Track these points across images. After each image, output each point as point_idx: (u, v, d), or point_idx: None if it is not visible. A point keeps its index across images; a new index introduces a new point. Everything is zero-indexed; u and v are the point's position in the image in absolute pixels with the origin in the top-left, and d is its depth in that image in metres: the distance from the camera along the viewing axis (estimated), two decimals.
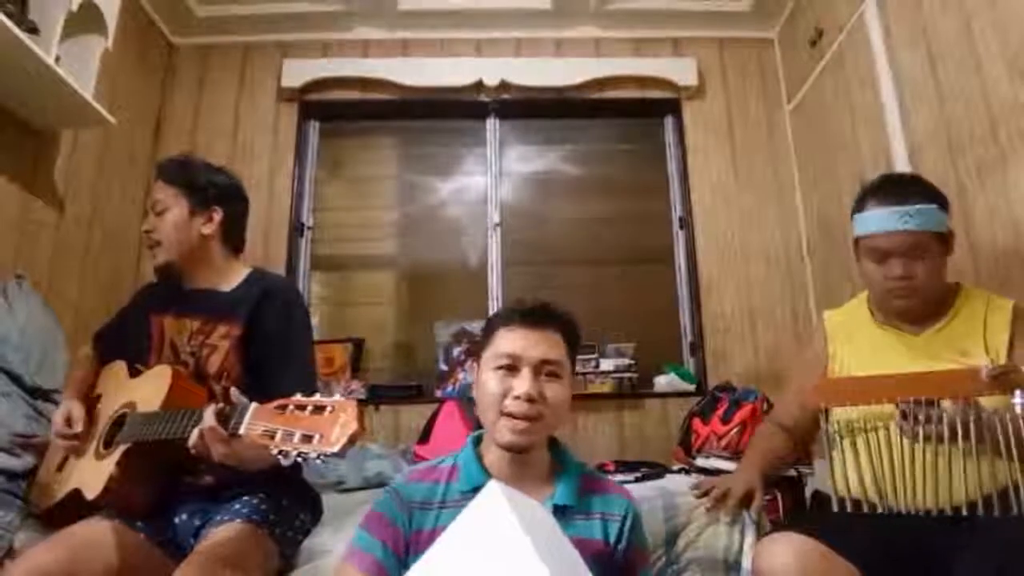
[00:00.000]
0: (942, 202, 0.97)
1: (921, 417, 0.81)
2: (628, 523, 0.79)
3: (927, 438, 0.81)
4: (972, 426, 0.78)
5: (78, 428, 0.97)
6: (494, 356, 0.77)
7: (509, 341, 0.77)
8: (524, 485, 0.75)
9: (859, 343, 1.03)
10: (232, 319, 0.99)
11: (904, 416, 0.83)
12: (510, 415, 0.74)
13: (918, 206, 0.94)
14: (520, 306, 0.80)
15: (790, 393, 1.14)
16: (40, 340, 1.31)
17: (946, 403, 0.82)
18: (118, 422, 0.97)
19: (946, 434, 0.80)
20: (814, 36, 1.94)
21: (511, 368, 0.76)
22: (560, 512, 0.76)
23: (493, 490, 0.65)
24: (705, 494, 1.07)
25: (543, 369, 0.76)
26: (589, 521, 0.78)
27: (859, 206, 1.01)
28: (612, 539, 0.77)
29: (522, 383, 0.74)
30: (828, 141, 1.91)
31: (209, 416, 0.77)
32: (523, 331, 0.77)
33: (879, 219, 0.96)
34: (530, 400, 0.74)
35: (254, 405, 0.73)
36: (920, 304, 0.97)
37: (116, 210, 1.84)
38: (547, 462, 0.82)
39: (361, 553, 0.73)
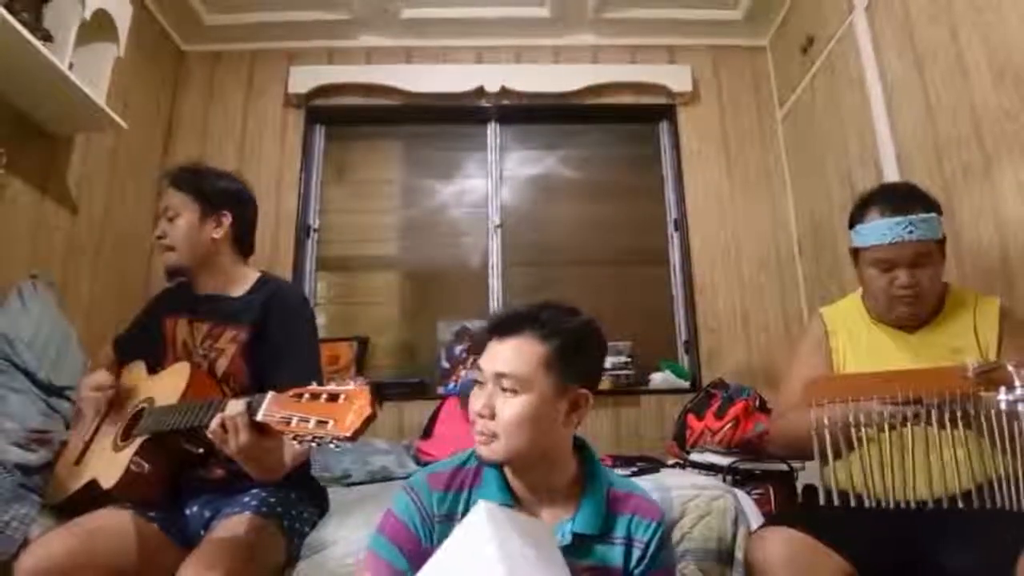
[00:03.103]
0: (938, 209, 0.99)
1: (922, 411, 0.82)
2: (653, 547, 0.73)
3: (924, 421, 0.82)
4: (973, 414, 0.79)
5: (109, 383, 1.01)
6: None
7: (482, 356, 0.74)
8: (543, 502, 0.74)
9: (856, 340, 1.05)
10: (240, 324, 1.02)
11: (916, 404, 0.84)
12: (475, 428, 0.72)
13: (922, 215, 0.95)
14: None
15: (795, 385, 1.12)
16: (54, 339, 1.34)
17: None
18: (137, 416, 0.99)
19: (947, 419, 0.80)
20: (805, 44, 1.98)
21: (481, 383, 0.73)
22: (579, 538, 0.72)
23: (479, 513, 0.64)
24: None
25: (499, 383, 0.71)
26: (611, 546, 0.73)
27: (859, 216, 1.00)
28: (633, 563, 0.73)
29: (477, 399, 0.72)
30: (818, 145, 1.95)
31: (236, 403, 0.77)
32: (492, 342, 0.73)
33: (884, 230, 0.95)
34: (480, 416, 0.71)
35: (271, 393, 0.75)
36: (922, 309, 0.99)
37: (128, 212, 1.87)
38: (570, 476, 0.76)
39: (381, 561, 0.71)
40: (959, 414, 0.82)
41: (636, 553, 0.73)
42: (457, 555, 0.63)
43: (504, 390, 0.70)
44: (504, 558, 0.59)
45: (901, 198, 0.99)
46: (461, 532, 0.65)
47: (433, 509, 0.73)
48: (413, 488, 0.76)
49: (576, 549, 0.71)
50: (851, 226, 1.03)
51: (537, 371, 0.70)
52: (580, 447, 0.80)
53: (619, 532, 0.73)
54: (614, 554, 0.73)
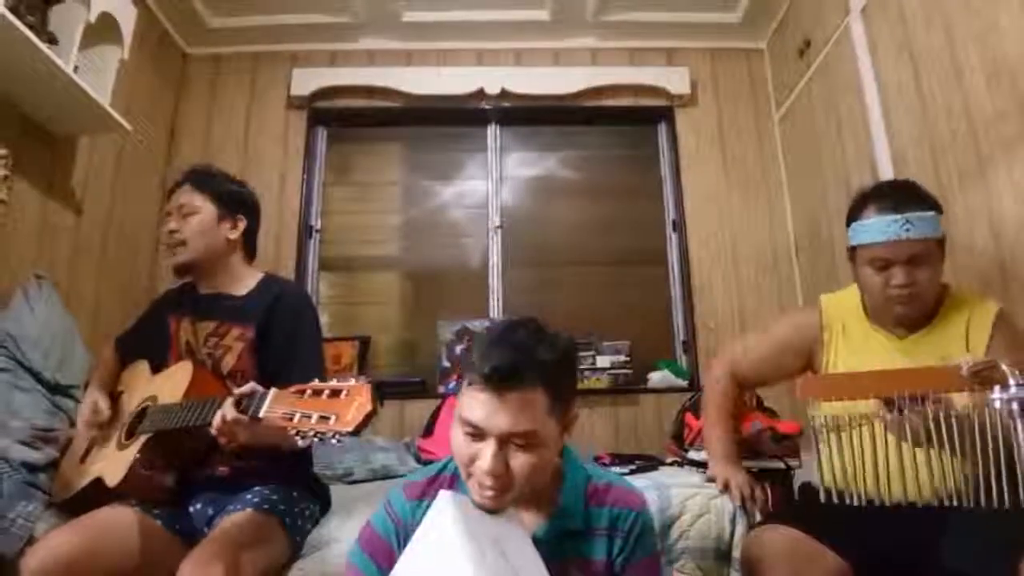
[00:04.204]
0: (938, 208, 0.97)
1: (906, 410, 0.81)
2: (633, 535, 0.73)
3: (911, 432, 0.81)
4: (945, 424, 0.78)
5: (105, 416, 1.03)
6: (459, 418, 0.68)
7: (472, 407, 0.66)
8: (523, 501, 0.72)
9: (850, 337, 1.04)
10: (245, 322, 1.04)
11: (888, 405, 0.83)
12: (478, 482, 0.67)
13: (919, 213, 0.93)
14: (488, 361, 0.65)
15: (765, 347, 1.13)
16: (59, 338, 1.35)
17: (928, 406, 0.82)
18: (140, 414, 1.01)
19: (926, 432, 0.79)
20: (802, 47, 2.00)
21: (476, 435, 0.67)
22: (561, 534, 0.72)
23: (443, 505, 0.65)
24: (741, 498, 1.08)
25: (510, 440, 0.66)
26: (593, 539, 0.73)
27: (857, 214, 0.99)
28: (614, 554, 0.73)
29: (484, 458, 0.65)
30: (815, 147, 1.96)
31: (229, 407, 0.80)
32: (487, 396, 0.65)
33: (881, 228, 0.93)
34: (494, 475, 0.66)
35: (273, 390, 0.77)
36: (919, 310, 0.97)
37: (132, 213, 1.89)
38: (550, 474, 0.75)
39: (357, 572, 0.72)
40: (954, 414, 0.81)
41: (618, 543, 0.73)
42: (425, 542, 0.64)
43: (516, 446, 0.67)
44: (470, 551, 0.60)
45: (899, 195, 0.97)
46: (426, 523, 0.66)
47: (407, 519, 0.72)
48: (389, 501, 0.76)
49: (559, 545, 0.72)
50: (848, 223, 1.01)
51: (546, 420, 0.67)
52: None
53: (601, 524, 0.73)
54: (597, 546, 0.73)
